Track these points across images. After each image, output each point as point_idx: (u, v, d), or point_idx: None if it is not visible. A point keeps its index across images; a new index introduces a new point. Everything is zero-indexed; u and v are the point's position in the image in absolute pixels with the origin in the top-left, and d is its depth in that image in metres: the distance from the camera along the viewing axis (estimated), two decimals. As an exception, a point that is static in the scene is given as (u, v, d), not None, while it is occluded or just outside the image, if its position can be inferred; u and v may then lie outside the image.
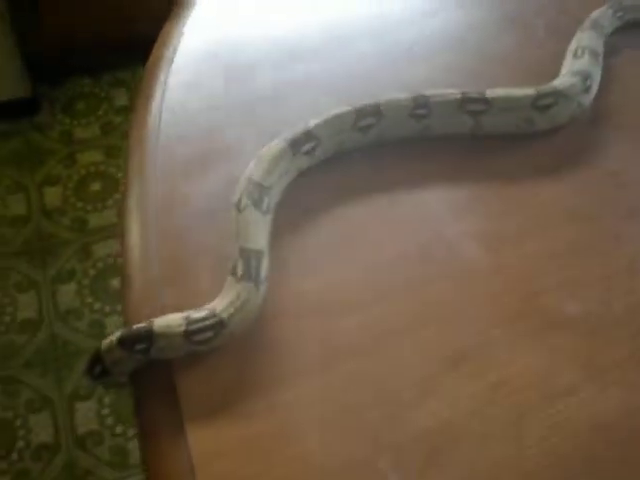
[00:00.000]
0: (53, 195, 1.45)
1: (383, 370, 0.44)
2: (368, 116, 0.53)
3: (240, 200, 0.47)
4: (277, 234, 0.49)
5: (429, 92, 0.54)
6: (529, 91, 0.55)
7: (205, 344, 0.43)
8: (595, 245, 0.50)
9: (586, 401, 0.44)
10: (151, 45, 0.59)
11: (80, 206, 1.44)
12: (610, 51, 0.60)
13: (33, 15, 1.47)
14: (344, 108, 0.53)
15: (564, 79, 0.57)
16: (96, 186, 1.47)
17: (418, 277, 0.48)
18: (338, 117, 0.53)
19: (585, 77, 0.57)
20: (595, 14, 0.62)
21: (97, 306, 1.31)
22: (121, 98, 1.60)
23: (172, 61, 0.58)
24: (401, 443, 0.42)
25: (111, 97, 1.61)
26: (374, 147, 0.54)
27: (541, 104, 0.55)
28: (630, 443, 0.42)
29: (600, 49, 0.59)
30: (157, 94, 0.56)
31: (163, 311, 0.45)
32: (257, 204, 0.47)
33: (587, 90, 0.57)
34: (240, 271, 0.44)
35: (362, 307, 0.46)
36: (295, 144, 0.51)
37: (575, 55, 0.59)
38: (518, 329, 0.46)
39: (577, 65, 0.58)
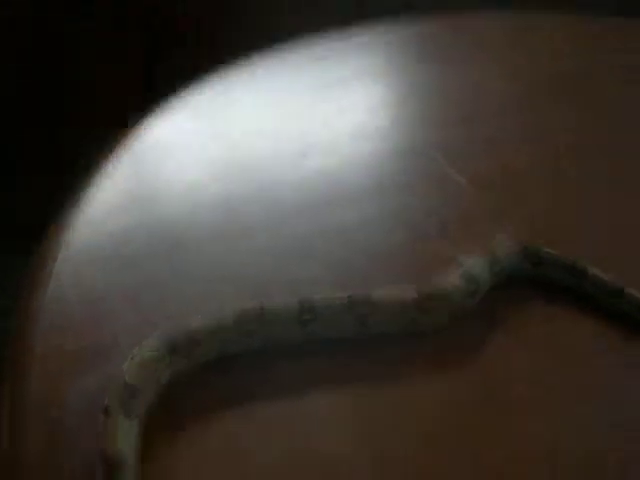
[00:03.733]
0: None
1: None
2: (251, 321, 0.53)
3: (108, 403, 0.46)
4: (148, 439, 0.47)
5: (315, 296, 0.55)
6: (412, 293, 0.56)
7: None
8: (472, 447, 0.50)
9: None
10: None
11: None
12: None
13: None
14: (227, 311, 0.53)
15: (450, 280, 0.58)
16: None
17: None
18: (220, 319, 0.52)
19: (471, 280, 0.58)
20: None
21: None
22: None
23: (56, 254, 0.58)
24: None
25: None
26: (257, 350, 0.54)
27: (424, 306, 0.56)
28: None
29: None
30: (39, 286, 0.56)
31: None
32: (126, 408, 0.46)
33: (472, 294, 0.57)
34: (99, 477, 0.43)
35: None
36: (172, 346, 0.50)
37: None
38: None
39: (466, 266, 0.59)
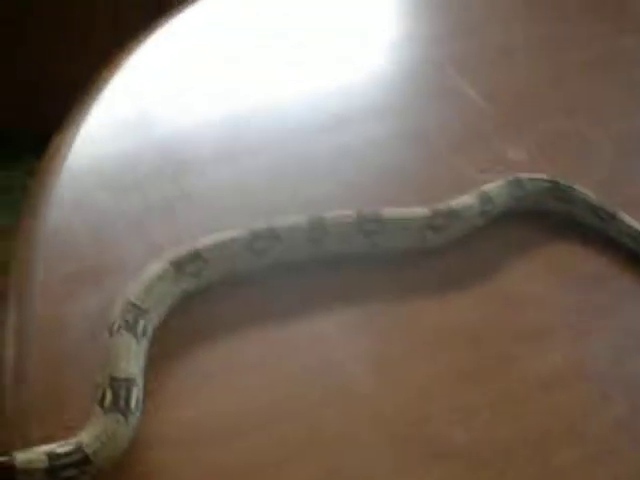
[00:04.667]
0: None
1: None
2: (264, 239, 0.51)
3: (113, 323, 0.45)
4: (155, 360, 0.46)
5: (325, 214, 0.53)
6: (424, 211, 0.54)
7: (69, 481, 0.40)
8: (481, 368, 0.49)
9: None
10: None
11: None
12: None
13: None
14: (239, 230, 0.51)
15: (462, 199, 0.56)
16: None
17: (301, 402, 0.46)
18: (231, 240, 0.51)
19: (485, 200, 0.56)
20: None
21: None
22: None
23: (58, 177, 0.56)
24: None
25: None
26: (267, 269, 0.52)
27: (436, 224, 0.54)
28: None
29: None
30: (41, 212, 0.54)
31: (32, 443, 0.42)
32: (131, 328, 0.45)
33: (483, 214, 0.56)
34: (108, 402, 0.42)
35: (241, 436, 0.44)
36: (179, 265, 0.49)
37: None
38: (404, 456, 0.44)
39: (485, 187, 0.57)
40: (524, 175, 0.58)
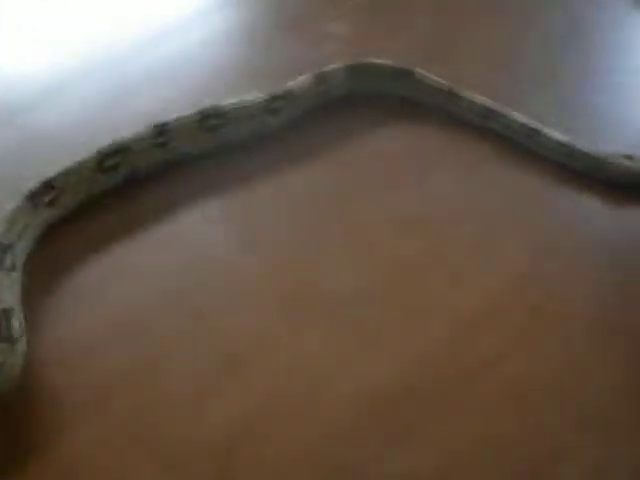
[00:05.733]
0: None
1: (158, 398, 0.43)
2: (112, 156, 0.52)
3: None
4: (31, 288, 0.47)
5: (168, 119, 0.55)
6: (261, 96, 0.56)
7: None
8: (348, 218, 0.52)
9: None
10: None
11: None
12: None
13: None
14: (85, 154, 0.52)
15: (300, 80, 0.58)
16: None
17: (178, 292, 0.48)
18: (79, 164, 0.52)
19: (322, 80, 0.58)
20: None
21: None
22: None
23: None
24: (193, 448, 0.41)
25: None
26: (122, 184, 0.54)
27: (273, 107, 0.56)
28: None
29: None
30: None
31: None
32: (1, 264, 0.46)
33: (322, 94, 0.58)
34: (-11, 334, 0.43)
35: (123, 345, 0.46)
36: (33, 196, 0.50)
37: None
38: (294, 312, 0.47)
39: (323, 69, 0.59)
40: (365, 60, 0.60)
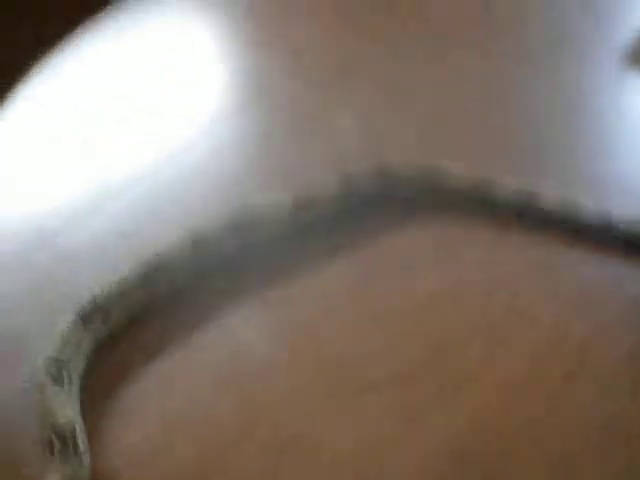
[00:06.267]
0: None
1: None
2: (152, 273, 0.55)
3: (40, 381, 0.48)
4: (89, 401, 0.50)
5: (200, 230, 0.58)
6: (288, 202, 0.60)
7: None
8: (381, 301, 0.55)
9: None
10: None
11: None
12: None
13: None
14: (125, 272, 0.55)
15: (323, 184, 0.61)
16: None
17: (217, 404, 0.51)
18: (122, 280, 0.55)
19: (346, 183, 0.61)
20: None
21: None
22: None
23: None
24: None
25: None
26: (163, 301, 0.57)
27: (299, 216, 0.60)
28: None
29: None
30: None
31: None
32: (57, 379, 0.48)
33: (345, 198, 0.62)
34: (57, 448, 0.45)
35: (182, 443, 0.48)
36: (83, 314, 0.52)
37: None
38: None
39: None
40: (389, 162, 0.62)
